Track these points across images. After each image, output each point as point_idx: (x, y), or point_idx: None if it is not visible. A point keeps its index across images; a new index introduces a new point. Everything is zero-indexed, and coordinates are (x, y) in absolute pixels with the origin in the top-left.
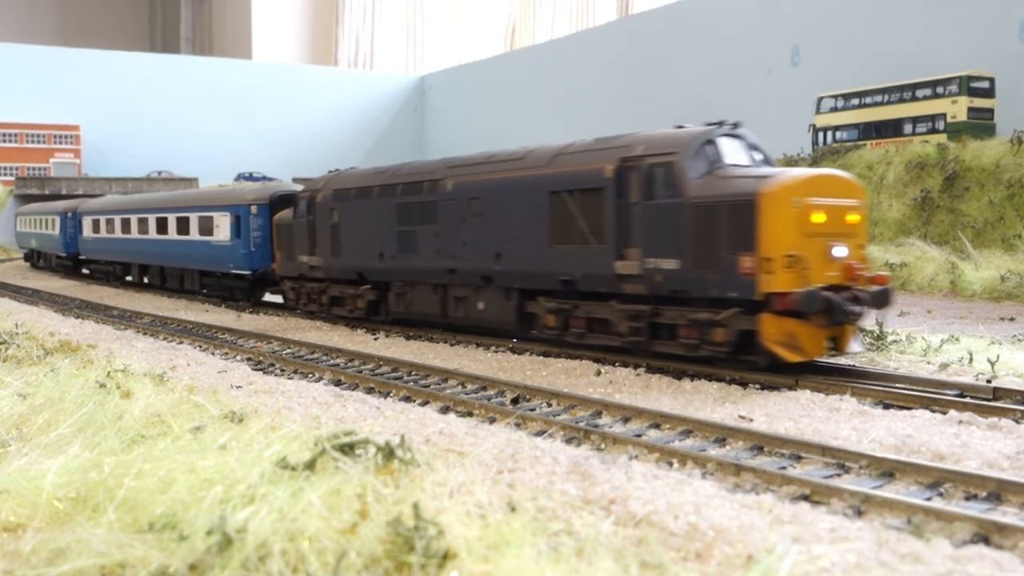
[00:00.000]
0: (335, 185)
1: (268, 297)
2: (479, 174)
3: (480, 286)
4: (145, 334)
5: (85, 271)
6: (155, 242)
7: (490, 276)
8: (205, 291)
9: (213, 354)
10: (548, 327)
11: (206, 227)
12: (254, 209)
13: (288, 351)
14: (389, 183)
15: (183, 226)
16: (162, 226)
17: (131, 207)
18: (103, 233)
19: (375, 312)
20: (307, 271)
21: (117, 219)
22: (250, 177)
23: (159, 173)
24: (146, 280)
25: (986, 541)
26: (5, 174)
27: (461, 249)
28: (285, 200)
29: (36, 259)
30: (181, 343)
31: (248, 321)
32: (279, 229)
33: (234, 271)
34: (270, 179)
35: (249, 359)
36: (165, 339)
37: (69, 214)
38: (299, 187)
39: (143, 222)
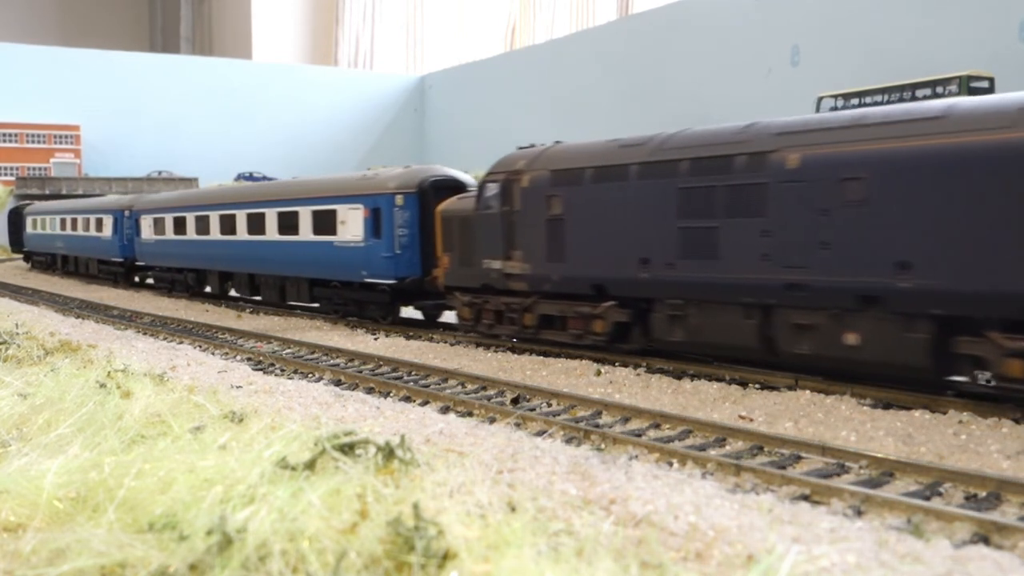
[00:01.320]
0: (555, 164)
1: (405, 312)
2: (858, 142)
3: (854, 310)
4: (145, 334)
5: (146, 279)
6: (246, 244)
7: (879, 296)
8: (317, 305)
9: (213, 354)
10: (1007, 377)
11: (325, 224)
12: (399, 200)
13: (288, 351)
14: (662, 159)
15: (288, 223)
16: (256, 224)
17: (209, 202)
18: (170, 234)
19: (622, 339)
20: (497, 281)
21: (190, 217)
22: (250, 177)
23: (159, 173)
24: (232, 291)
25: (986, 541)
26: (5, 174)
27: (816, 255)
28: (442, 187)
29: (61, 265)
30: (181, 343)
31: (248, 321)
32: (448, 225)
33: (369, 280)
34: (270, 179)
35: (249, 359)
36: (165, 339)
37: (126, 212)
38: (455, 171)
39: (227, 220)
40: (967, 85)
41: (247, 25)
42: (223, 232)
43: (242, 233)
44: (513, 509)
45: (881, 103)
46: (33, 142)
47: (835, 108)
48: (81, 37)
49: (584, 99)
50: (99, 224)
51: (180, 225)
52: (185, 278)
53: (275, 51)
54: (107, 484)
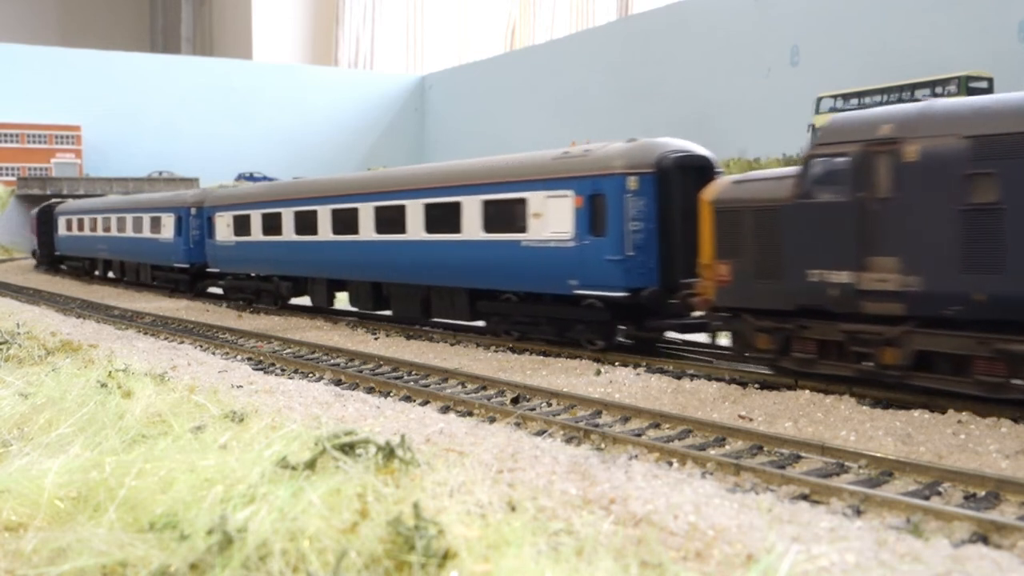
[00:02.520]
0: (980, 126)
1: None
2: None
3: None
4: (146, 334)
5: (217, 288)
6: (373, 246)
7: None
8: (482, 324)
9: (214, 354)
10: None
11: (506, 217)
12: (632, 182)
13: (288, 351)
14: None
15: (441, 218)
16: (389, 220)
17: (317, 194)
18: (257, 235)
19: None
20: (839, 300)
21: (287, 213)
22: (250, 177)
23: (160, 173)
24: (350, 305)
25: (985, 540)
26: (6, 174)
27: None
28: (688, 167)
29: (103, 271)
30: (182, 343)
31: (249, 321)
32: (730, 220)
33: (581, 292)
34: (271, 179)
35: (250, 359)
36: (166, 339)
37: (193, 209)
38: (693, 144)
39: (344, 216)
40: (966, 85)
41: (247, 25)
42: (337, 231)
43: (367, 232)
44: (513, 509)
45: (881, 103)
46: (34, 142)
47: (834, 108)
48: (82, 37)
49: (584, 99)
50: (156, 224)
51: (272, 223)
52: (276, 287)
53: (275, 51)
54: (108, 484)
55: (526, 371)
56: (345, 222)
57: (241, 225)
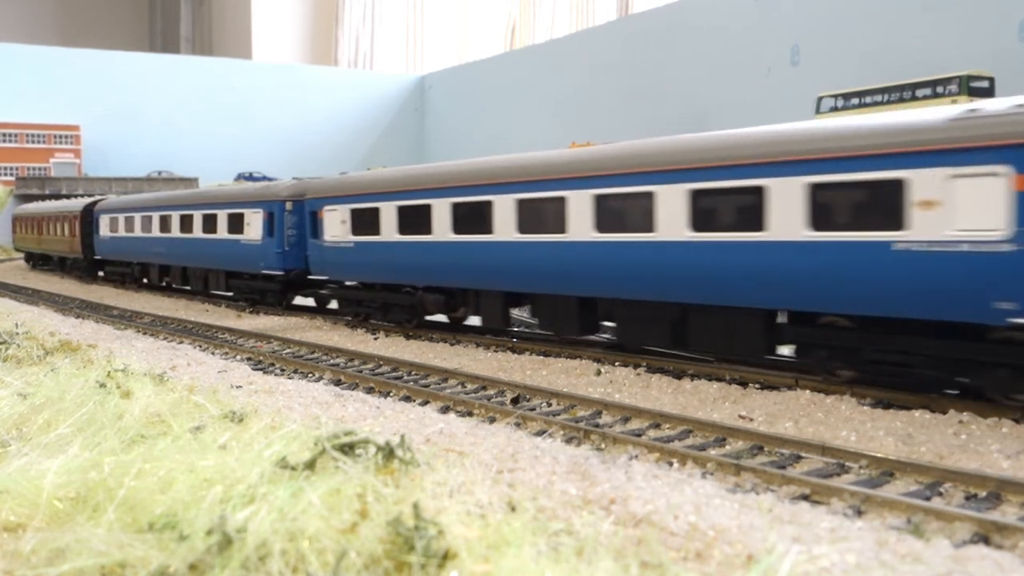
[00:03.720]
0: None
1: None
2: None
3: None
4: (145, 334)
5: (327, 302)
6: (588, 248)
7: None
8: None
9: (213, 354)
10: None
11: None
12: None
13: (288, 351)
14: None
15: (754, 214)
16: (622, 213)
17: (494, 179)
18: (391, 234)
19: None
20: None
21: (441, 205)
22: (250, 177)
23: (159, 173)
24: (537, 325)
25: (986, 541)
26: (5, 174)
27: None
28: None
29: (159, 278)
30: (181, 343)
31: (248, 321)
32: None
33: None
34: (270, 179)
35: (249, 359)
36: (165, 339)
37: (289, 204)
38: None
39: (539, 210)
40: (967, 85)
41: (247, 25)
42: (526, 229)
43: (579, 230)
44: (513, 509)
45: (881, 103)
46: (33, 142)
47: (835, 108)
48: (81, 37)
49: (584, 99)
50: (237, 222)
51: (415, 219)
52: (420, 301)
53: (275, 51)
54: (107, 484)
55: (526, 371)
56: (538, 217)
57: (364, 221)
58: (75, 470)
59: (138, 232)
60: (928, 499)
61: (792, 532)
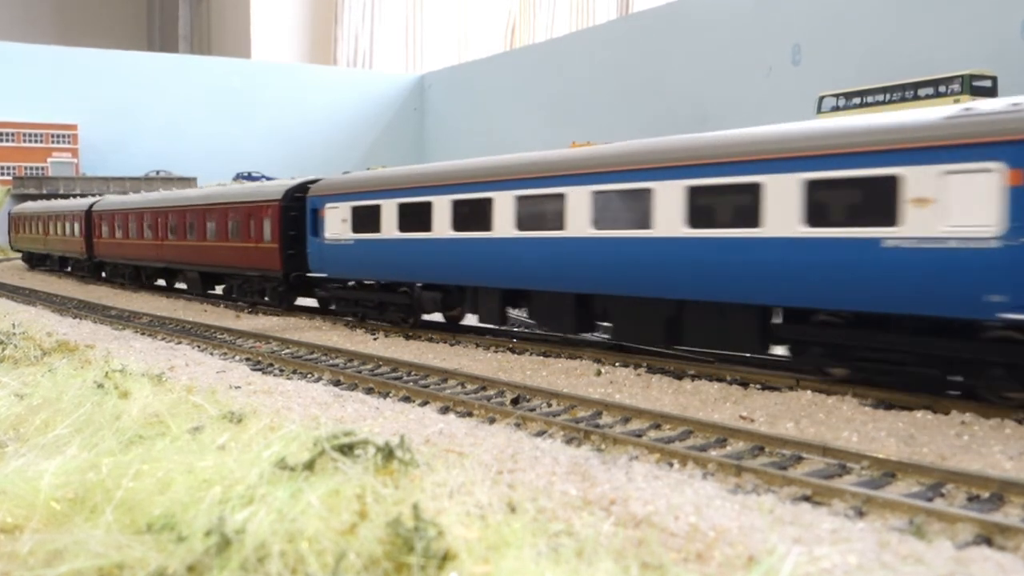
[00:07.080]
0: None
1: None
2: None
3: None
4: (143, 334)
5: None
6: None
7: None
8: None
9: (212, 354)
10: None
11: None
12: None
13: (287, 351)
14: None
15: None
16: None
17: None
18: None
19: None
20: None
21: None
22: (249, 177)
23: (157, 173)
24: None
25: (988, 542)
26: (2, 174)
27: None
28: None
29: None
30: (179, 343)
31: (247, 321)
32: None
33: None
34: (270, 179)
35: (248, 359)
36: (163, 339)
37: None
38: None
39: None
40: (969, 84)
41: (246, 24)
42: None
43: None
44: (513, 510)
45: (883, 102)
46: (30, 141)
47: (836, 108)
48: (79, 36)
49: (584, 99)
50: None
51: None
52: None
53: (274, 50)
54: (105, 485)
55: (526, 371)
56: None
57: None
58: (73, 471)
59: (412, 234)
60: (930, 500)
61: (793, 533)
